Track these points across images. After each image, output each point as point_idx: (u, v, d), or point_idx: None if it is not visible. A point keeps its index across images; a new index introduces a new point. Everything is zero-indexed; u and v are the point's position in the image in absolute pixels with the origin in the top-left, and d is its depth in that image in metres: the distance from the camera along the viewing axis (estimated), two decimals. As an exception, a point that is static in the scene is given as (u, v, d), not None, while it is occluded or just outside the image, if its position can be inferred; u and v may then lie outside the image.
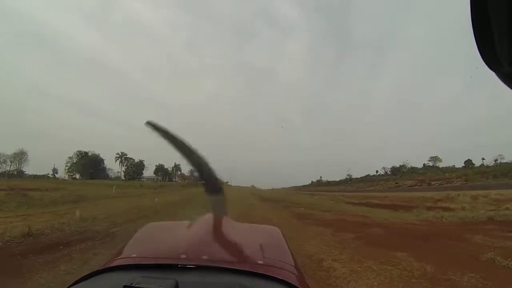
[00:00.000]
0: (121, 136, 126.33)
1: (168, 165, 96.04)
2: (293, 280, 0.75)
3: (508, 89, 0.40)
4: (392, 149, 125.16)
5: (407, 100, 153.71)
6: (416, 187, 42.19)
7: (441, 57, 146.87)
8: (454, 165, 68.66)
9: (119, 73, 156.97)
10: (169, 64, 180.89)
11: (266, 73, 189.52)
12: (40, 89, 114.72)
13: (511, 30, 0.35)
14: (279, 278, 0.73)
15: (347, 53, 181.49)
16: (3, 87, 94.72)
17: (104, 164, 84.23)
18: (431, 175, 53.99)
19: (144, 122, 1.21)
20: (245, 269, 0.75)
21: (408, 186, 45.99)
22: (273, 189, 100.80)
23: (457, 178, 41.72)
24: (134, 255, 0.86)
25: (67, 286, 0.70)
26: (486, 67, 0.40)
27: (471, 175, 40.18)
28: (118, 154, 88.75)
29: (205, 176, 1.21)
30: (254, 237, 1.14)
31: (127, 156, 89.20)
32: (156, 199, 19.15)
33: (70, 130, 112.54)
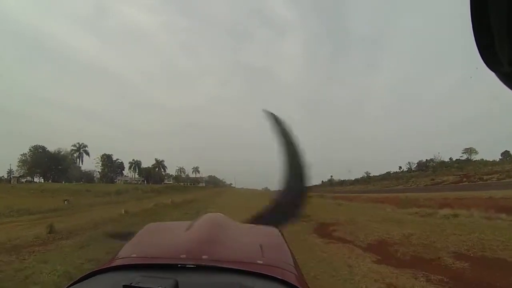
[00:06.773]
0: (116, 138, 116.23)
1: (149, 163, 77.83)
2: (293, 280, 0.75)
3: (508, 89, 0.40)
4: (406, 145, 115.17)
5: (413, 98, 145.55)
6: (465, 183, 35.78)
7: (443, 53, 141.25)
8: (482, 158, 60.68)
9: (114, 74, 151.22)
10: (170, 68, 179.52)
11: (268, 73, 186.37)
12: (35, 91, 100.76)
13: (511, 30, 0.34)
14: (279, 278, 0.73)
15: (353, 47, 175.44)
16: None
17: (76, 163, 64.48)
18: (473, 169, 47.55)
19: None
20: (245, 269, 0.74)
21: (451, 183, 39.75)
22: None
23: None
24: (134, 255, 0.87)
25: (68, 285, 0.70)
26: (486, 67, 0.39)
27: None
28: (74, 146, 62.69)
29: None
30: (254, 237, 1.13)
31: (108, 154, 68.10)
32: None
33: (55, 130, 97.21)
